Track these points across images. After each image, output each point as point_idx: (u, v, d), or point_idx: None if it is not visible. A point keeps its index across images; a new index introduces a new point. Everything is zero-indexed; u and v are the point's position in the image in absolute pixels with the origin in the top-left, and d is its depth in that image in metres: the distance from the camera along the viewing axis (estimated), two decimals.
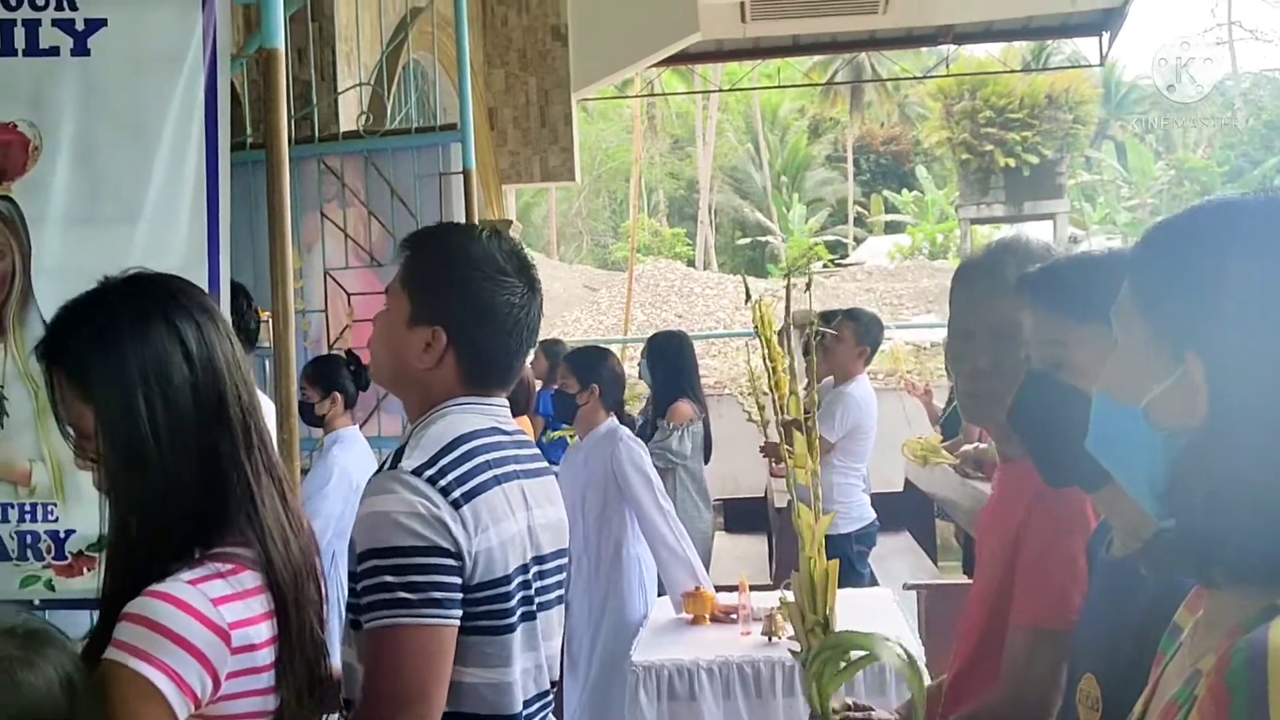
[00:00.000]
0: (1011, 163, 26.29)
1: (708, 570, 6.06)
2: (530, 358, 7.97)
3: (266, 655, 1.50)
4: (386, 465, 1.69)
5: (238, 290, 3.42)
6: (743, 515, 8.82)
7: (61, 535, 2.64)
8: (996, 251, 2.01)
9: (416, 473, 1.65)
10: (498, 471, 1.74)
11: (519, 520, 1.76)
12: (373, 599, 1.61)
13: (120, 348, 1.48)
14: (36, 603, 2.60)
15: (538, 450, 1.92)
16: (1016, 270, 1.86)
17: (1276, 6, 13.69)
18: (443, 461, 1.67)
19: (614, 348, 16.89)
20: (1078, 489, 1.43)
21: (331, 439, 4.38)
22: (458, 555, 1.63)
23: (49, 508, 2.63)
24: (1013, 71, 23.42)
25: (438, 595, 1.61)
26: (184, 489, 1.49)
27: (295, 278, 4.76)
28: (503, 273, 1.79)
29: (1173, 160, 33.53)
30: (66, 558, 2.63)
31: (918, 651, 3.90)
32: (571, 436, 6.70)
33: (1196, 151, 34.63)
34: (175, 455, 1.49)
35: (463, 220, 4.48)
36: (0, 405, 2.64)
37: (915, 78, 24.99)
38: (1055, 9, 11.08)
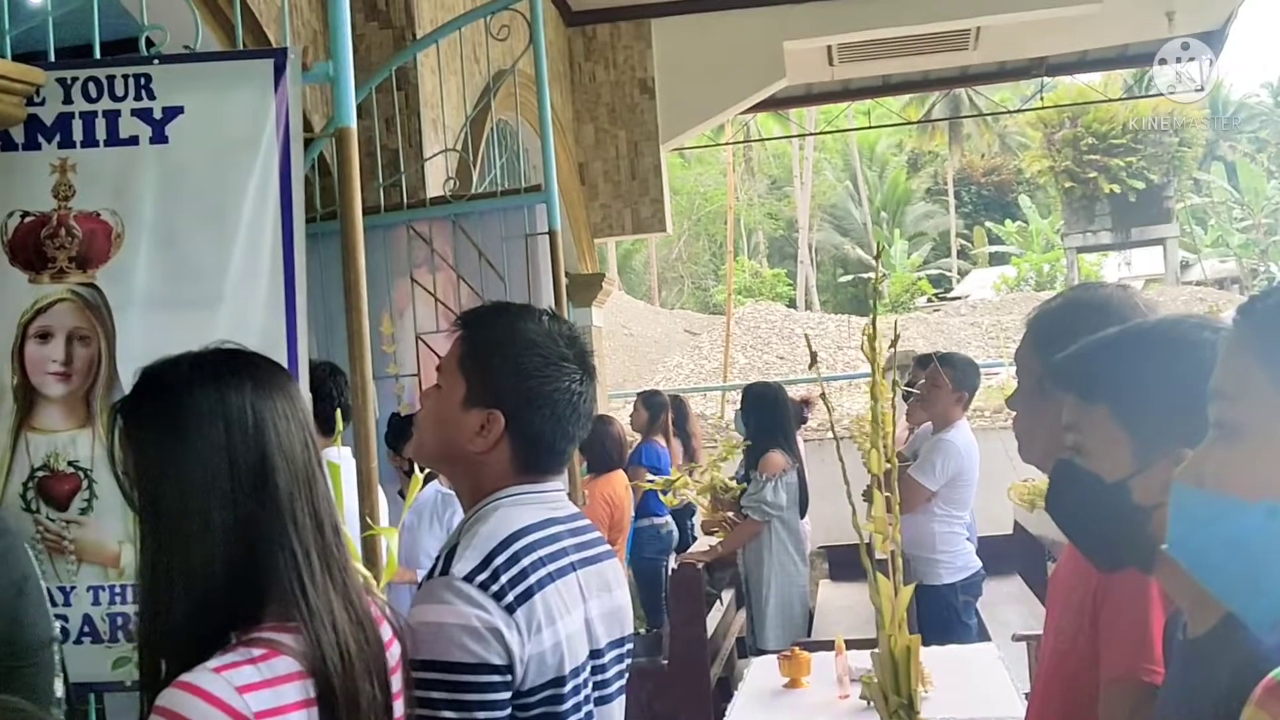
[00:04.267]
0: (1116, 189, 25.72)
1: (810, 625, 5.95)
2: (630, 410, 7.87)
3: None
4: (438, 568, 1.65)
5: (334, 369, 3.46)
6: (847, 563, 8.64)
7: None
8: (1046, 303, 2.04)
9: (469, 579, 1.61)
10: (552, 568, 1.69)
11: (575, 617, 1.71)
12: (421, 712, 1.60)
13: (163, 403, 1.51)
14: (129, 684, 2.62)
15: (597, 533, 1.87)
16: (1048, 326, 1.91)
17: None
18: (495, 563, 1.63)
19: (713, 394, 16.79)
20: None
21: (433, 495, 4.50)
22: (508, 667, 1.60)
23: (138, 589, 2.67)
24: (1112, 100, 22.92)
25: (481, 715, 1.59)
26: (215, 561, 1.46)
27: (388, 343, 4.86)
28: (562, 358, 1.76)
29: None
30: None
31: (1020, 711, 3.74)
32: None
33: None
34: (204, 519, 1.46)
35: (549, 281, 4.49)
36: (90, 489, 2.69)
37: (1012, 110, 24.63)
38: (1152, 35, 10.78)
